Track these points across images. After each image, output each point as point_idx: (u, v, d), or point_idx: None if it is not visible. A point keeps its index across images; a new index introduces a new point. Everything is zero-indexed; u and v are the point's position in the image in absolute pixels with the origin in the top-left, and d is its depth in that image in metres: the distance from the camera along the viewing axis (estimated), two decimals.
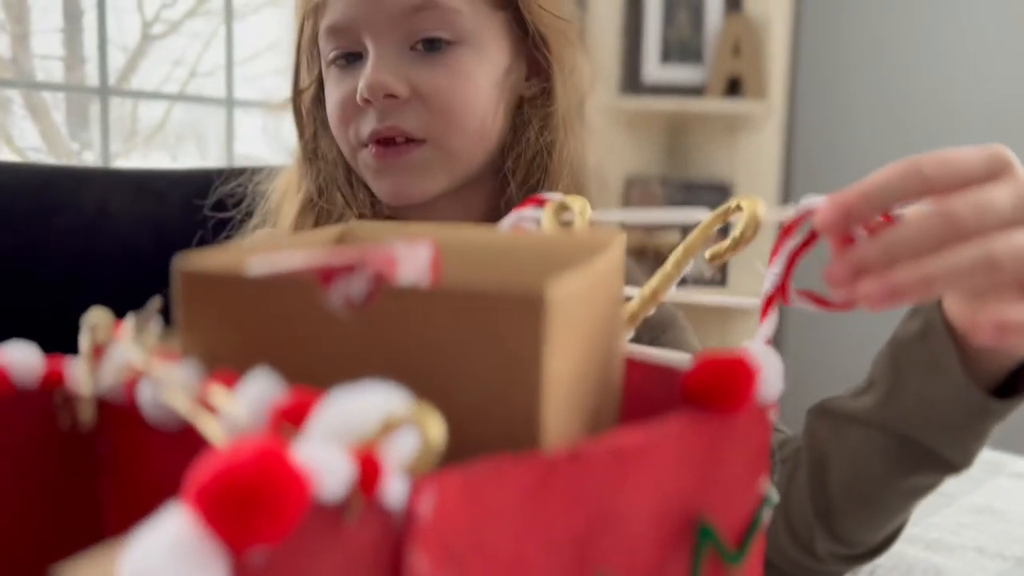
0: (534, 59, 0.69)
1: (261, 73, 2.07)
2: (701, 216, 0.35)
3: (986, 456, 0.52)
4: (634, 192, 2.27)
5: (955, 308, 0.47)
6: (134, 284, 0.81)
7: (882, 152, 2.03)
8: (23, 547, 0.29)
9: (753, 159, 2.17)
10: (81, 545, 0.30)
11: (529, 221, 0.44)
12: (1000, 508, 0.65)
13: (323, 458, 0.18)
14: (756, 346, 0.30)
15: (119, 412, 0.28)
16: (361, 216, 0.68)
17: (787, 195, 2.21)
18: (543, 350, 0.23)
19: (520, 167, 0.68)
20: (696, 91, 2.15)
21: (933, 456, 0.50)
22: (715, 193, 2.21)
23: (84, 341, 0.29)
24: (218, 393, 0.23)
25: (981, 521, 0.63)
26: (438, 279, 0.29)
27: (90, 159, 1.93)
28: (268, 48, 2.04)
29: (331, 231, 0.35)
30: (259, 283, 0.26)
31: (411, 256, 0.28)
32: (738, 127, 2.20)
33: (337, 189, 0.69)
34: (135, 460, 0.28)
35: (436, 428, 0.19)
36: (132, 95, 1.95)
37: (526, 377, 0.23)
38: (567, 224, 0.41)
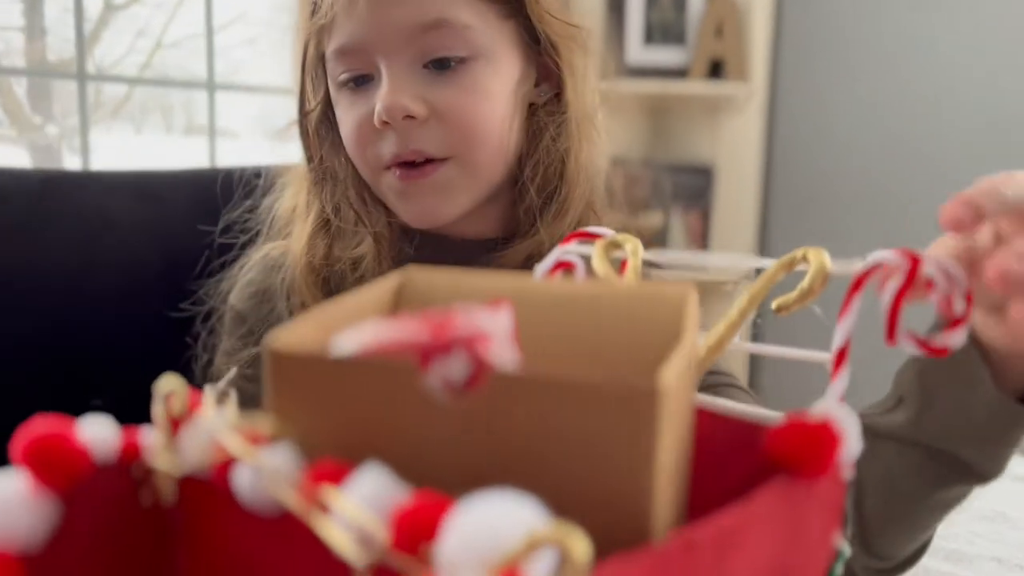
0: (543, 65, 0.69)
1: (230, 45, 2.03)
2: (765, 263, 0.35)
3: None
4: (616, 174, 2.26)
5: (987, 323, 0.48)
6: (137, 295, 0.79)
7: (863, 134, 2.05)
8: None
9: (735, 141, 2.18)
10: None
11: (573, 256, 0.43)
12: (1013, 516, 0.67)
13: None
14: (834, 406, 0.30)
15: (203, 489, 0.27)
16: (377, 235, 0.67)
17: (768, 177, 2.22)
18: (656, 440, 0.23)
19: (538, 175, 0.67)
20: (679, 73, 2.15)
21: (967, 468, 0.52)
22: (697, 175, 2.22)
23: (159, 412, 0.28)
24: (330, 492, 0.22)
25: (995, 529, 0.65)
26: (519, 350, 0.29)
27: (53, 133, 1.89)
28: (238, 19, 2.00)
29: (387, 286, 0.34)
30: (351, 364, 0.25)
31: (495, 326, 0.28)
32: (720, 109, 2.20)
33: (350, 207, 0.68)
34: (219, 539, 0.27)
35: (582, 547, 0.19)
36: (111, 79, 1.90)
37: (638, 468, 0.23)
38: (616, 262, 0.41)
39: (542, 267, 0.42)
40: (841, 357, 0.32)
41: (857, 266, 0.33)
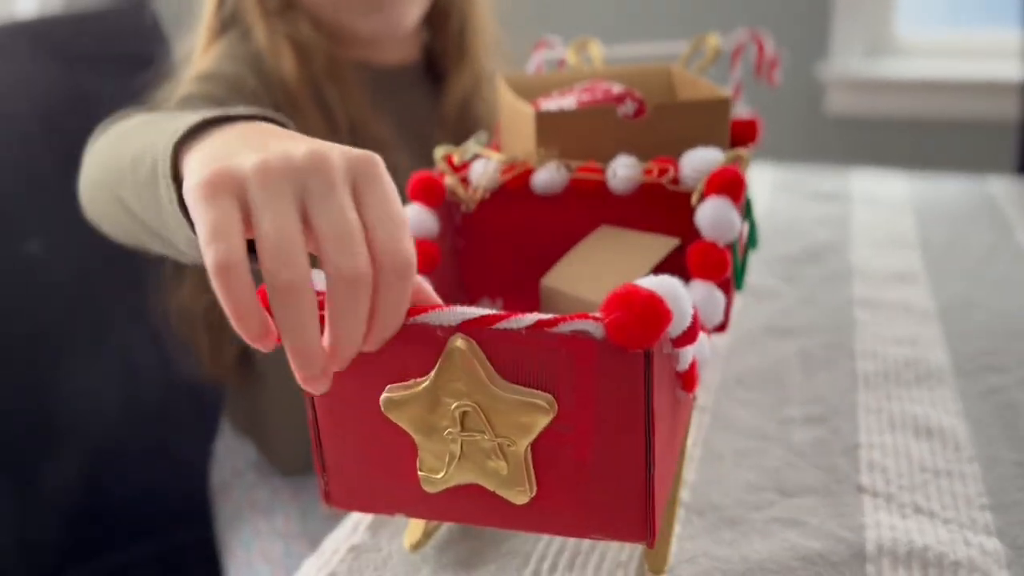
0: None
1: None
2: (681, 47, 0.63)
3: None
4: None
5: None
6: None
7: None
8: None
9: None
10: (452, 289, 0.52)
11: (551, 65, 0.68)
12: None
13: None
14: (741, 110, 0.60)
15: (497, 196, 0.51)
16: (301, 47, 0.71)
17: None
18: (728, 131, 0.51)
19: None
20: None
21: None
22: None
23: (443, 166, 0.50)
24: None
25: None
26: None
27: None
28: None
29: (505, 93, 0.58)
30: (574, 112, 0.50)
31: (614, 87, 0.54)
32: None
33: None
34: (500, 222, 0.51)
35: (747, 154, 0.47)
36: None
37: (721, 132, 0.51)
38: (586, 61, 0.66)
39: (531, 67, 0.66)
40: (736, 91, 0.62)
41: (734, 41, 0.63)
